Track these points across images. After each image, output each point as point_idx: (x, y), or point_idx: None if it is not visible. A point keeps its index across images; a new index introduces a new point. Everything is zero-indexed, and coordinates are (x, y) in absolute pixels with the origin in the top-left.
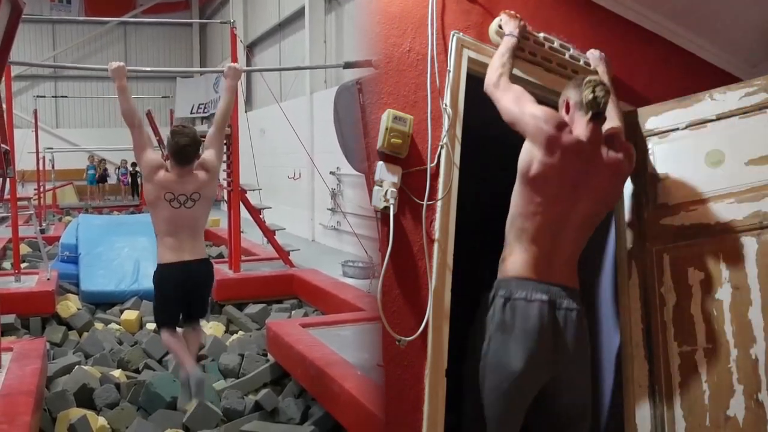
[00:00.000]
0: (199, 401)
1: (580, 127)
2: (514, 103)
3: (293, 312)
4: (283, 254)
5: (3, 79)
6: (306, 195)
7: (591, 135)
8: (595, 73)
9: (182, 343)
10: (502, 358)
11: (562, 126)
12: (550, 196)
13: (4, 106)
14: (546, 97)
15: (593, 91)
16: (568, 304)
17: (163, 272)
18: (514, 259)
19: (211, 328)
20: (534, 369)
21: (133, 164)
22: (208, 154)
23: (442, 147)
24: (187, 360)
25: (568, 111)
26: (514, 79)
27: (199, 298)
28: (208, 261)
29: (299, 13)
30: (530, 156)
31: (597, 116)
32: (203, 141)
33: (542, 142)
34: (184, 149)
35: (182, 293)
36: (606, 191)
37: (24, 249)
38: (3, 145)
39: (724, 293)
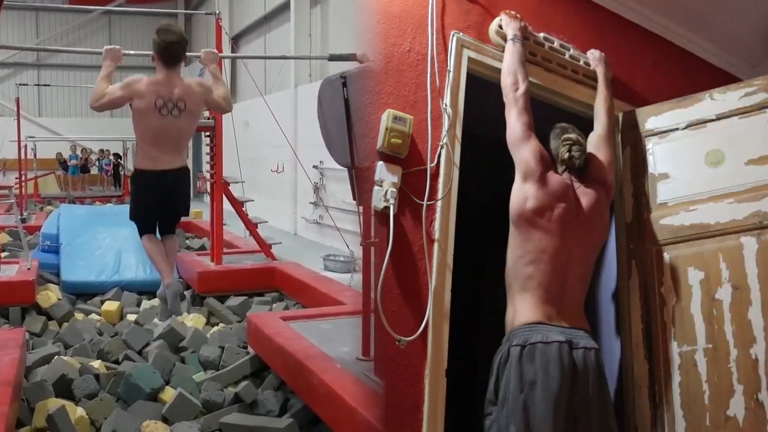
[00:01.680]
0: (171, 319)
1: (559, 174)
2: (523, 132)
3: (274, 305)
4: (265, 247)
5: None
6: (289, 188)
7: (570, 182)
8: (595, 75)
9: (161, 250)
10: (526, 407)
11: (550, 167)
12: (548, 233)
13: None
14: (546, 98)
15: (569, 151)
16: (586, 343)
17: (139, 177)
18: (523, 308)
19: (191, 320)
20: (563, 408)
21: (116, 155)
22: (209, 84)
23: (442, 147)
24: (165, 270)
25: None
26: None
27: (176, 202)
28: (186, 169)
29: (284, 6)
30: (523, 193)
31: (573, 172)
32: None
33: (536, 178)
34: (171, 46)
35: (159, 199)
36: (595, 222)
37: (4, 238)
38: None
39: (724, 293)
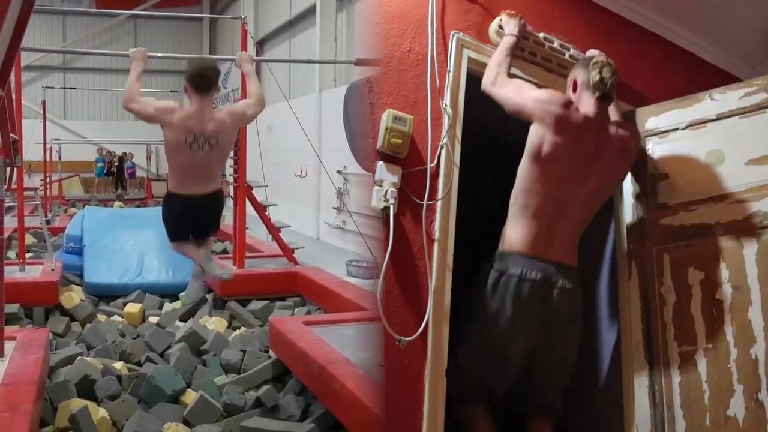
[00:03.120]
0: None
1: (587, 106)
2: (516, 92)
3: (296, 309)
4: (287, 252)
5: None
6: (312, 193)
7: (598, 112)
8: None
9: (191, 245)
10: (493, 326)
11: (568, 104)
12: (557, 176)
13: (13, 95)
14: None
15: (600, 72)
16: (563, 283)
17: (171, 200)
18: (514, 234)
19: (213, 323)
20: (521, 338)
21: (120, 157)
22: (237, 104)
23: (442, 147)
24: (195, 253)
25: (575, 90)
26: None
27: (206, 224)
28: (218, 192)
29: (310, 11)
30: (540, 137)
31: (604, 97)
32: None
33: (551, 122)
34: (203, 72)
35: (189, 218)
36: (614, 168)
37: (29, 239)
38: (11, 135)
39: (724, 293)
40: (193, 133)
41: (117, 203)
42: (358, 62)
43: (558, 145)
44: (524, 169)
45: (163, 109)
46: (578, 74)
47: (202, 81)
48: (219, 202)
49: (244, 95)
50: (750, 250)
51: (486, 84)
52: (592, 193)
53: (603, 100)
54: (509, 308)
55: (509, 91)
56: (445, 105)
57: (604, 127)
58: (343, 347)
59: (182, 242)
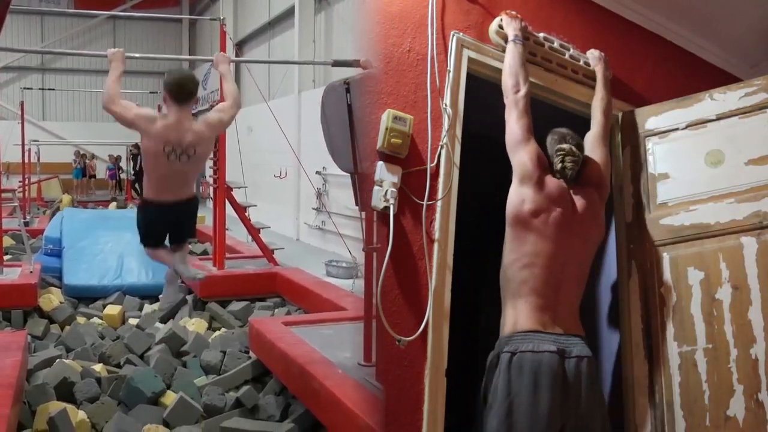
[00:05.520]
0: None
1: (552, 180)
2: (522, 134)
3: (276, 310)
4: (267, 252)
5: None
6: (291, 194)
7: (566, 185)
8: (594, 75)
9: (165, 250)
10: (510, 413)
11: (547, 170)
12: (543, 236)
13: None
14: (546, 97)
15: (562, 162)
16: (579, 351)
17: (146, 208)
18: (516, 314)
19: (193, 324)
20: (548, 420)
21: (117, 158)
22: (212, 113)
23: (442, 147)
24: (169, 258)
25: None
26: None
27: (182, 229)
28: (193, 198)
29: (289, 12)
30: (520, 196)
31: (566, 181)
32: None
33: (533, 181)
34: (183, 82)
35: (165, 227)
36: (590, 224)
37: (7, 241)
38: None
39: (724, 293)
40: (171, 143)
41: (112, 204)
42: (335, 63)
43: (538, 202)
44: (510, 238)
45: (143, 117)
46: (548, 150)
47: (181, 92)
48: (193, 207)
49: (222, 97)
50: (750, 250)
51: (507, 92)
52: (582, 247)
53: (567, 182)
54: (529, 386)
55: (521, 127)
56: (445, 105)
57: (571, 192)
58: (323, 347)
59: (156, 248)
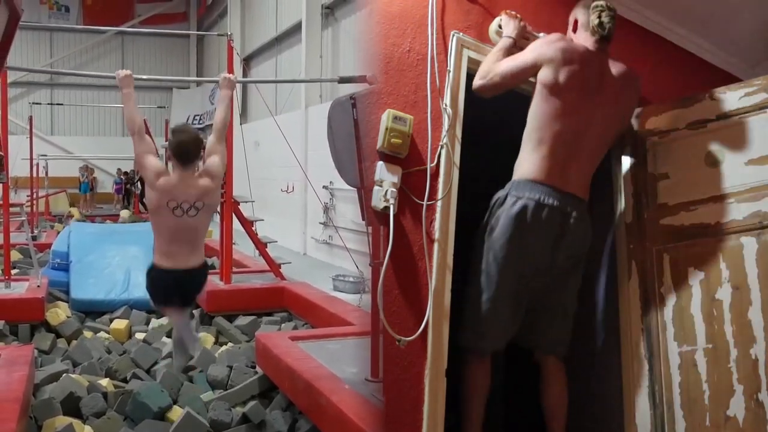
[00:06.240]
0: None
1: (587, 44)
2: (511, 60)
3: (283, 325)
4: (274, 267)
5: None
6: (298, 208)
7: (598, 48)
8: None
9: (174, 309)
10: (507, 249)
11: (569, 39)
12: (568, 108)
13: None
14: None
15: (599, 17)
16: (578, 214)
17: (157, 273)
18: (529, 165)
19: (200, 339)
20: (534, 259)
21: (125, 173)
22: (210, 161)
23: (442, 147)
24: (177, 317)
25: (575, 30)
26: None
27: (190, 296)
28: (203, 266)
29: (296, 28)
30: (547, 74)
31: (603, 40)
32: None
33: (555, 55)
34: (186, 145)
35: (173, 292)
36: (620, 100)
37: (15, 255)
38: None
39: (724, 293)
40: (176, 200)
41: (124, 212)
42: (342, 80)
43: (566, 75)
44: (536, 105)
45: (152, 167)
46: (579, 15)
47: (184, 155)
48: (203, 277)
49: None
50: (750, 250)
51: (477, 80)
52: (602, 126)
53: (602, 42)
54: (528, 230)
55: (504, 65)
56: (445, 105)
57: (605, 61)
58: (330, 362)
59: (165, 307)
